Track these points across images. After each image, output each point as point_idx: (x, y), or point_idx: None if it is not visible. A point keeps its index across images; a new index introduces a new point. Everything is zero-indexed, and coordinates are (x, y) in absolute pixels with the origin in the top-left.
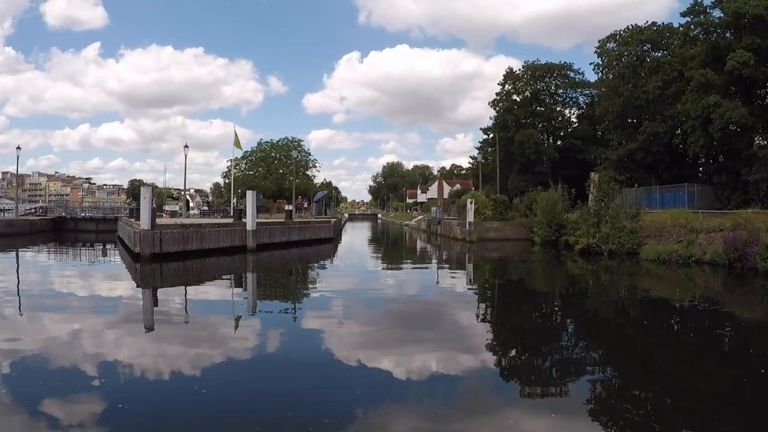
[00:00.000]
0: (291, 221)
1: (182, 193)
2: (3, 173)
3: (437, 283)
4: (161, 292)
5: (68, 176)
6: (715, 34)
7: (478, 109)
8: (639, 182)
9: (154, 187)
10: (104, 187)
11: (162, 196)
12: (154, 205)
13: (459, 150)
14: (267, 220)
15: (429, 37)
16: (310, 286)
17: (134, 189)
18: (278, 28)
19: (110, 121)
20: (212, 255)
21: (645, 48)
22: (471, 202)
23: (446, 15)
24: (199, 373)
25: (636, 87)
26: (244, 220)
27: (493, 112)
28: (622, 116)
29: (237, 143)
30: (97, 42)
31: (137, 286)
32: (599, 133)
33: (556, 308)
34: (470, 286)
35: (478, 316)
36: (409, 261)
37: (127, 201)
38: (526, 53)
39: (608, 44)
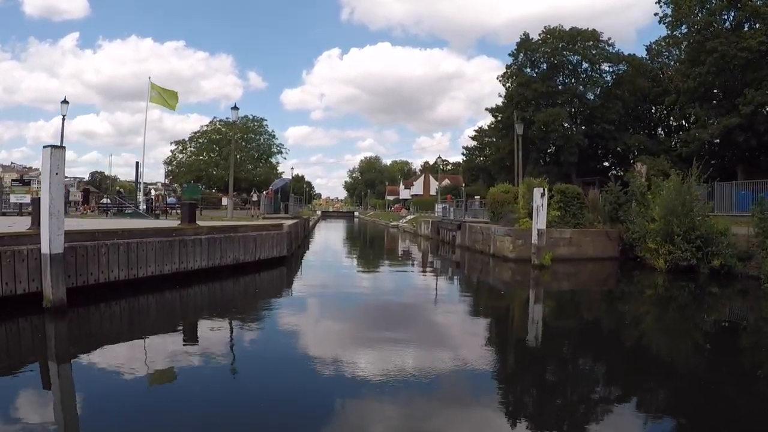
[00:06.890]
0: (192, 227)
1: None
2: None
3: None
4: None
5: (25, 167)
6: None
7: (457, 110)
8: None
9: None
10: (65, 179)
11: (128, 189)
12: None
13: (436, 149)
14: (117, 227)
15: (411, 36)
16: None
17: (95, 181)
18: (260, 22)
19: (86, 113)
20: None
21: None
22: (542, 194)
23: (429, 15)
24: None
25: (728, 43)
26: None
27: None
28: (708, 84)
29: (162, 100)
30: (76, 32)
31: None
32: (666, 109)
33: None
34: None
35: None
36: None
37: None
38: (507, 55)
39: None
